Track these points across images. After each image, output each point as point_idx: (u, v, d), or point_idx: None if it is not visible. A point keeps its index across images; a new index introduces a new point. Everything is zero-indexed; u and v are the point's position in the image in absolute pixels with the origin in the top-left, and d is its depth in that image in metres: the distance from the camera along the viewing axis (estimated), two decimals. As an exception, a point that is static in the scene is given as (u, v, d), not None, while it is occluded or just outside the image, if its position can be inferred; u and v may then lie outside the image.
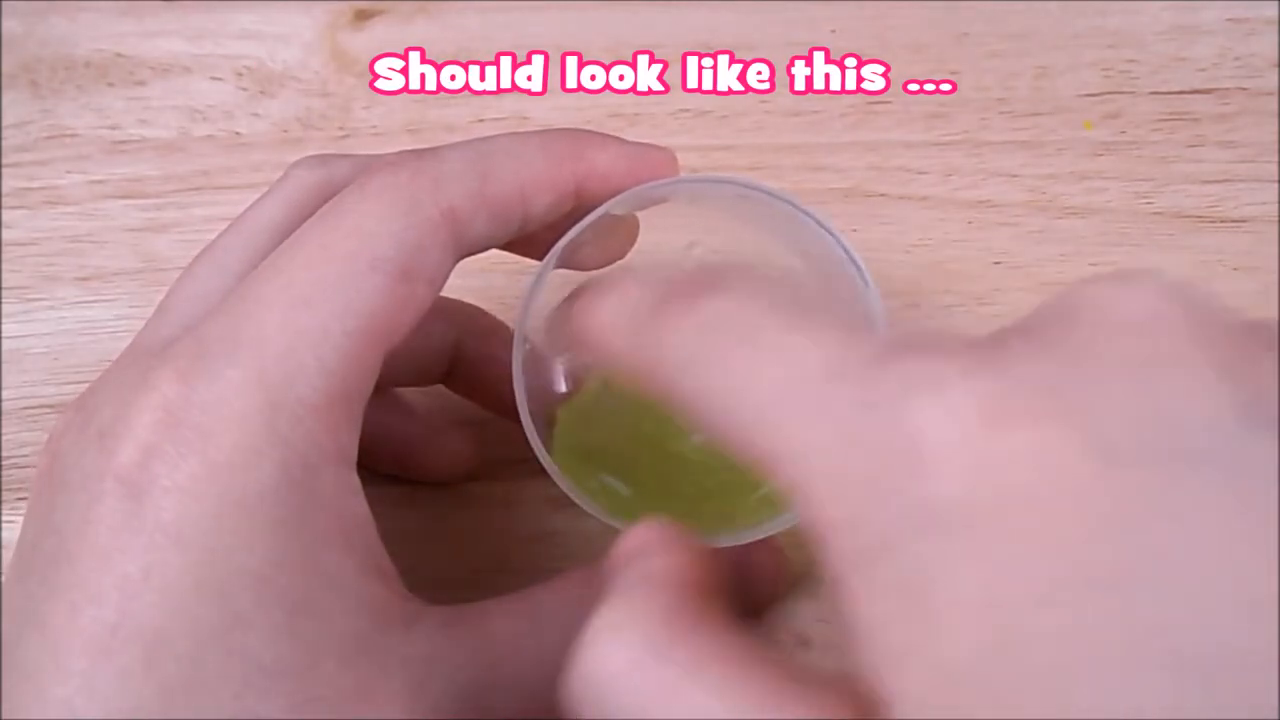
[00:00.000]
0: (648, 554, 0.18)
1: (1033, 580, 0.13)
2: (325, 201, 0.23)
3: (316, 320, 0.21)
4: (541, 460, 0.24)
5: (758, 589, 0.26)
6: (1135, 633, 0.12)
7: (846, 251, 0.24)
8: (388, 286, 0.21)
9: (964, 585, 0.13)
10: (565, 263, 0.24)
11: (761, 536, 0.24)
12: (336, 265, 0.21)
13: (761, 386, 0.16)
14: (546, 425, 0.24)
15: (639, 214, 0.26)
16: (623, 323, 0.19)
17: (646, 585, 0.17)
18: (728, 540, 0.24)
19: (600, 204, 0.24)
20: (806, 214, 0.24)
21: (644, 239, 0.26)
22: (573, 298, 0.21)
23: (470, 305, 0.28)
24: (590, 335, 0.20)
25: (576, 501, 0.24)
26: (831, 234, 0.24)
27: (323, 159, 0.25)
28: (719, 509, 0.25)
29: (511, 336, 0.24)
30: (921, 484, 0.14)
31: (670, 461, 0.26)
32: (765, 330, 0.16)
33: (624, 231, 0.26)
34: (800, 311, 0.17)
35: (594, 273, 0.26)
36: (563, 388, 0.27)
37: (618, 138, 0.24)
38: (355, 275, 0.21)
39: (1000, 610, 0.13)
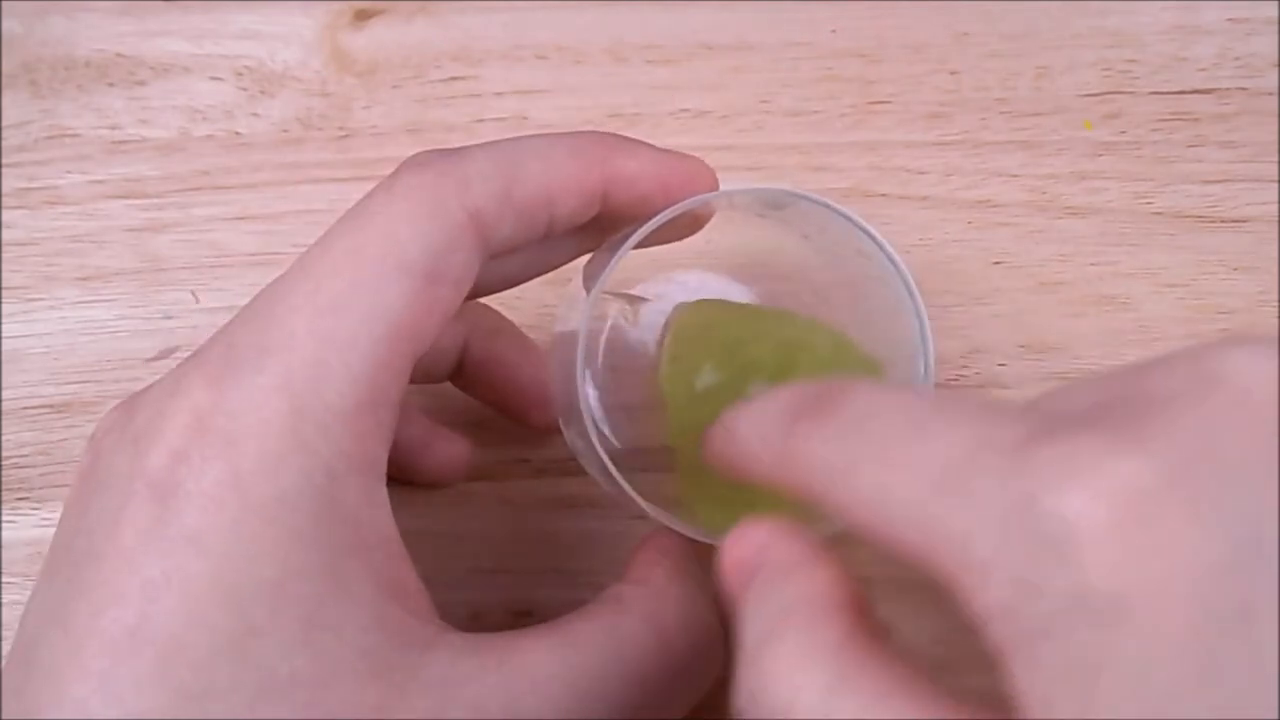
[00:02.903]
0: (789, 568, 0.19)
1: (1184, 669, 0.14)
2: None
3: (344, 326, 0.20)
4: (604, 463, 0.23)
5: None
6: None
7: (895, 265, 0.25)
8: (415, 290, 0.21)
9: (1119, 672, 0.14)
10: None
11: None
12: (364, 269, 0.21)
13: (905, 486, 0.17)
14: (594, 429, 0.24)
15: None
16: (762, 443, 0.20)
17: (813, 609, 0.18)
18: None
19: (629, 208, 0.24)
20: (870, 235, 0.25)
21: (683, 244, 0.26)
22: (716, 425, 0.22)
23: (478, 303, 0.28)
24: (732, 459, 0.21)
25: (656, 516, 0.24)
26: (888, 254, 0.25)
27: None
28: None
29: (518, 334, 0.23)
30: (1073, 574, 0.14)
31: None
32: (900, 431, 0.17)
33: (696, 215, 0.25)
34: (931, 406, 0.17)
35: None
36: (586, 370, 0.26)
37: (647, 144, 0.24)
38: (383, 279, 0.21)
39: (1154, 697, 0.14)
